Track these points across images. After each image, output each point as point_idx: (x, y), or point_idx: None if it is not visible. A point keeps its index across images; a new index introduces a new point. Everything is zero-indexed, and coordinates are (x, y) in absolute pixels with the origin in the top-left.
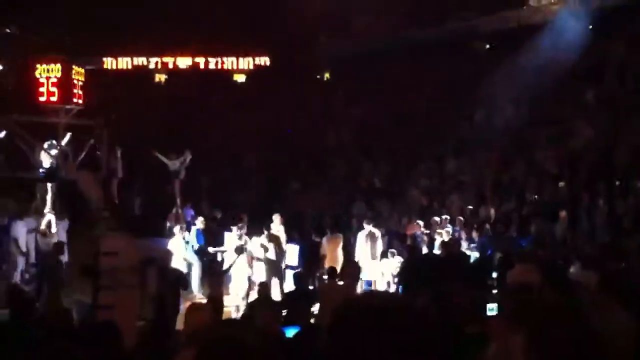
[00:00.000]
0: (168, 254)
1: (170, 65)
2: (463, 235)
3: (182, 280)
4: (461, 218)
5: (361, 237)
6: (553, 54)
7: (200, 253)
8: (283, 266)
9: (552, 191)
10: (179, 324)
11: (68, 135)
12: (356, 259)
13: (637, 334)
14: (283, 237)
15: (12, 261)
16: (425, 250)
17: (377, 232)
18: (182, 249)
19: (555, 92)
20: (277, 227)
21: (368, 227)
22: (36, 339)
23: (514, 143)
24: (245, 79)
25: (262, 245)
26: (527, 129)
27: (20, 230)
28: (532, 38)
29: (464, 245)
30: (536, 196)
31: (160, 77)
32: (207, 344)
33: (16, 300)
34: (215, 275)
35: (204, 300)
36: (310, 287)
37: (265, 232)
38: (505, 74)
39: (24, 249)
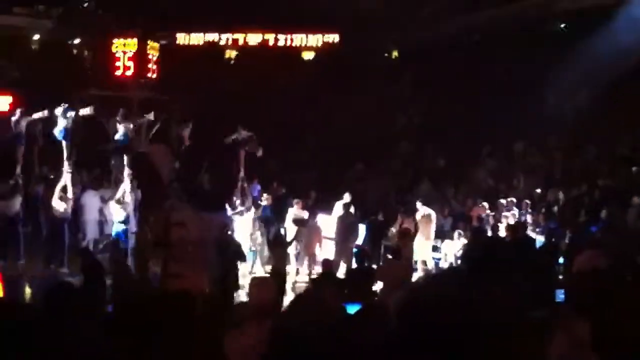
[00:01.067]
0: (229, 228)
1: (241, 42)
2: (529, 219)
3: (240, 254)
4: (528, 201)
5: (417, 218)
6: (628, 37)
7: (266, 225)
8: (352, 245)
9: (625, 176)
10: (239, 297)
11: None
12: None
13: None
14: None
15: (83, 229)
16: (489, 233)
17: (433, 214)
18: (248, 224)
19: (630, 76)
20: (339, 206)
21: (422, 208)
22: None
23: (586, 126)
24: (314, 57)
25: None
26: (599, 113)
27: (91, 199)
28: (608, 19)
29: (530, 229)
30: (608, 181)
31: (231, 54)
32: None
33: (87, 265)
34: (278, 247)
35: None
36: (374, 265)
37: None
38: (579, 56)
39: (92, 218)
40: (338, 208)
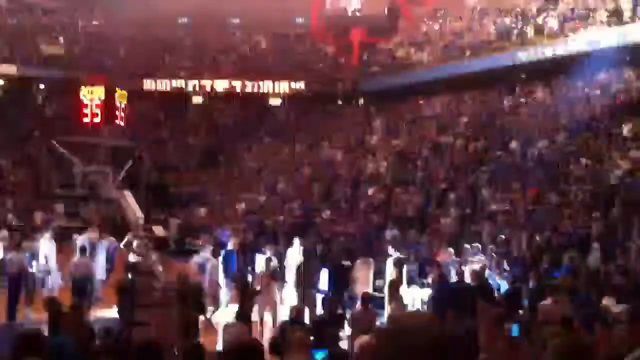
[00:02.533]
0: (198, 274)
1: (208, 88)
2: (494, 265)
3: (201, 304)
4: (492, 247)
5: (389, 263)
6: (588, 87)
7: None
8: (315, 291)
9: (585, 223)
10: (210, 344)
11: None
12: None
13: None
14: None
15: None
16: (455, 278)
17: (404, 260)
18: (215, 270)
19: (590, 125)
20: (297, 250)
21: (396, 254)
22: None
23: (548, 174)
24: (280, 103)
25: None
26: (562, 161)
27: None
28: (567, 70)
29: (495, 275)
30: (569, 228)
31: (198, 100)
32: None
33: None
34: (247, 296)
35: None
36: (339, 312)
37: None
38: (540, 106)
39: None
40: (292, 255)
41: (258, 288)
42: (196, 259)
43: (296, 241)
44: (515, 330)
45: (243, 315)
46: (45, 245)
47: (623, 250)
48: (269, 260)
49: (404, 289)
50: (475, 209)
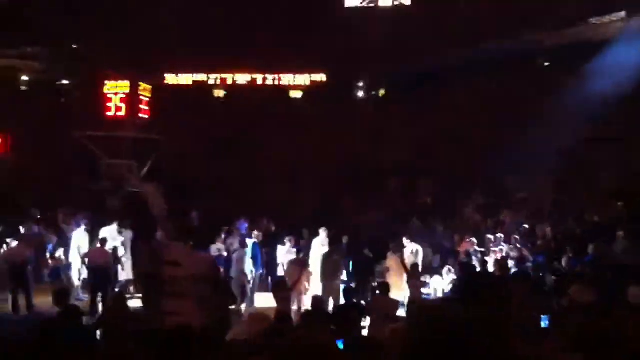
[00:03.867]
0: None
1: (229, 81)
2: (517, 255)
3: (230, 293)
4: (516, 237)
5: (406, 254)
6: (614, 73)
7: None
8: (339, 282)
9: (610, 211)
10: (231, 335)
11: None
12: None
13: None
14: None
15: (73, 267)
16: (478, 268)
17: (420, 249)
18: (242, 260)
19: (616, 111)
20: (323, 241)
21: (410, 245)
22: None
23: (572, 163)
24: (302, 95)
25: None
26: (586, 149)
27: (84, 239)
28: (593, 56)
29: (518, 265)
30: (595, 217)
31: (219, 93)
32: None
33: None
34: (282, 290)
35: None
36: (361, 301)
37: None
38: (566, 92)
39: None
40: (317, 245)
41: (287, 279)
42: (217, 249)
43: (321, 232)
44: (545, 320)
45: (280, 313)
46: (80, 238)
47: None
48: (299, 250)
49: (423, 279)
50: (499, 198)
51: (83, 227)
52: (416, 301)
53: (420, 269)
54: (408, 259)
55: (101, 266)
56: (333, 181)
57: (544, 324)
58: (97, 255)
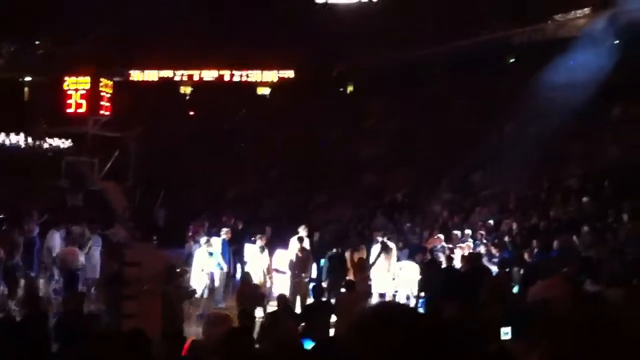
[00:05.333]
0: (185, 264)
1: (196, 78)
2: (484, 250)
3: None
4: (482, 232)
5: (375, 250)
6: (580, 68)
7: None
8: (306, 280)
9: (576, 207)
10: (194, 334)
11: None
12: (371, 272)
13: None
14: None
15: (44, 270)
16: (444, 264)
17: (392, 245)
18: (205, 259)
19: (583, 108)
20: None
21: (382, 240)
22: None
23: (539, 158)
24: (270, 92)
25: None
26: (552, 144)
27: (56, 240)
28: (559, 52)
29: (485, 260)
30: (561, 212)
31: (186, 90)
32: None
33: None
34: (246, 287)
35: (226, 311)
36: (329, 299)
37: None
38: (532, 88)
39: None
40: (294, 242)
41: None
42: (184, 248)
43: (300, 230)
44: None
45: (243, 311)
46: (53, 238)
47: (614, 234)
48: (301, 239)
49: (389, 275)
50: (467, 194)
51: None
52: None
53: (393, 266)
54: (380, 255)
55: (72, 267)
56: (304, 178)
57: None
58: (69, 256)
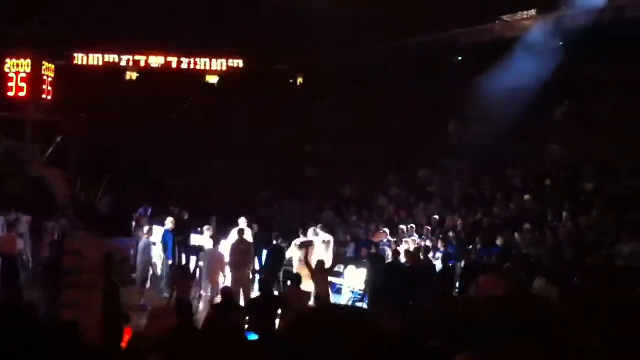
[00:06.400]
0: (130, 254)
1: (142, 64)
2: (429, 244)
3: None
4: (428, 227)
5: (318, 244)
6: (525, 70)
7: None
8: (249, 272)
9: (518, 204)
10: (134, 325)
11: None
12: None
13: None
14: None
15: None
16: (390, 258)
17: (331, 239)
18: (147, 249)
19: (526, 108)
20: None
21: (322, 234)
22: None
23: (483, 157)
24: (218, 81)
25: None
26: (497, 144)
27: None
28: (505, 53)
29: (430, 255)
30: (503, 210)
31: (132, 76)
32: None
33: None
34: (184, 279)
35: (167, 302)
36: (274, 293)
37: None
38: (477, 88)
39: None
40: (233, 234)
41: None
42: (132, 238)
43: (240, 221)
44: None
45: (181, 301)
46: None
47: (553, 232)
48: (241, 231)
49: (337, 269)
50: (413, 189)
51: None
52: (321, 296)
53: (330, 259)
54: (318, 248)
55: (10, 254)
56: (250, 169)
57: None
58: (6, 243)
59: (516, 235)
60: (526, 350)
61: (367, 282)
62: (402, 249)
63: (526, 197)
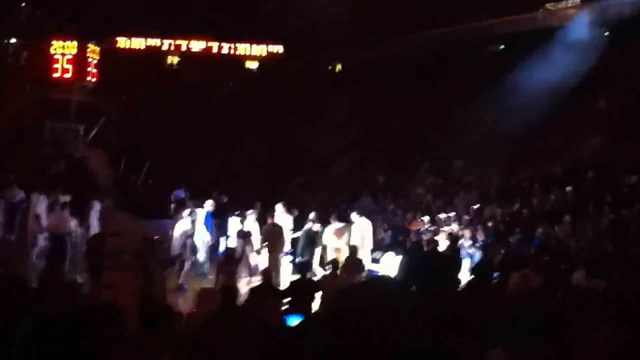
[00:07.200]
0: (169, 236)
1: (184, 48)
2: (468, 234)
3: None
4: (467, 216)
5: (355, 230)
6: (566, 60)
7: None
8: (281, 255)
9: (558, 196)
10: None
11: None
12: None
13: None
14: (288, 226)
15: (32, 237)
16: (427, 247)
17: (369, 225)
18: (187, 230)
19: (567, 98)
20: (280, 216)
21: (358, 220)
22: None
23: (522, 148)
24: (258, 67)
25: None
26: (536, 135)
27: (41, 206)
28: (546, 42)
29: (467, 244)
30: (544, 201)
31: (173, 60)
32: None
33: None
34: (229, 264)
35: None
36: (312, 276)
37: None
38: (518, 78)
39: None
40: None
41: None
42: (166, 220)
43: (277, 206)
44: None
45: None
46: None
47: (594, 224)
48: (274, 215)
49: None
50: (449, 178)
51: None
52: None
53: (369, 244)
54: (356, 234)
55: (59, 234)
56: (285, 155)
57: None
58: (56, 223)
59: (556, 227)
60: (560, 346)
61: (401, 269)
62: (440, 237)
63: (567, 188)
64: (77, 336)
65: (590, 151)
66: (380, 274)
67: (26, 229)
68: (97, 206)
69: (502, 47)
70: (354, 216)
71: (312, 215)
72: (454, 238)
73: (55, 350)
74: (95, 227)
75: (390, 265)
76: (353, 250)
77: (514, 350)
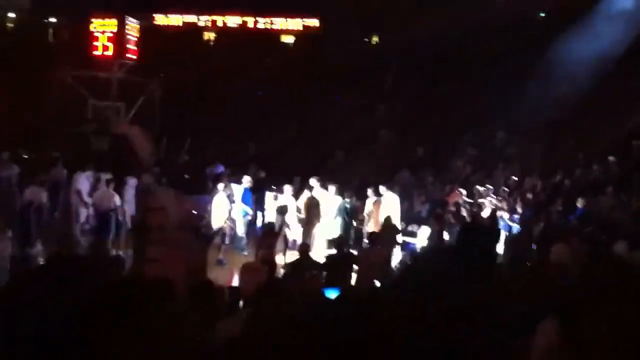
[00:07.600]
0: (208, 211)
1: (220, 24)
2: (506, 206)
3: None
4: (505, 189)
5: (392, 203)
6: (613, 30)
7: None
8: (317, 229)
9: (601, 167)
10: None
11: None
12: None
13: None
14: (324, 200)
15: (75, 213)
16: (468, 219)
17: (396, 198)
18: (226, 206)
19: (613, 69)
20: (316, 190)
21: (387, 193)
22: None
23: (565, 118)
24: (294, 41)
25: (298, 208)
26: (580, 105)
27: (84, 182)
28: (592, 9)
29: (506, 216)
30: (584, 172)
31: (210, 36)
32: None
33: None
34: (268, 238)
35: (251, 258)
36: (349, 250)
37: (307, 195)
38: (563, 47)
39: (87, 201)
40: (306, 193)
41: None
42: (206, 195)
43: (312, 180)
44: None
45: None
46: (81, 181)
47: (638, 196)
48: (310, 188)
49: (411, 229)
50: (490, 151)
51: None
52: None
53: (398, 216)
54: (385, 207)
55: (105, 210)
56: (324, 131)
57: None
58: (102, 199)
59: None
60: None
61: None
62: (478, 209)
63: (610, 158)
64: (129, 308)
65: (634, 123)
66: (417, 245)
67: (70, 205)
68: (131, 182)
69: (543, 14)
70: (382, 190)
71: (348, 190)
72: (493, 210)
73: (107, 323)
74: (130, 203)
75: (427, 238)
76: (387, 222)
77: (563, 320)
